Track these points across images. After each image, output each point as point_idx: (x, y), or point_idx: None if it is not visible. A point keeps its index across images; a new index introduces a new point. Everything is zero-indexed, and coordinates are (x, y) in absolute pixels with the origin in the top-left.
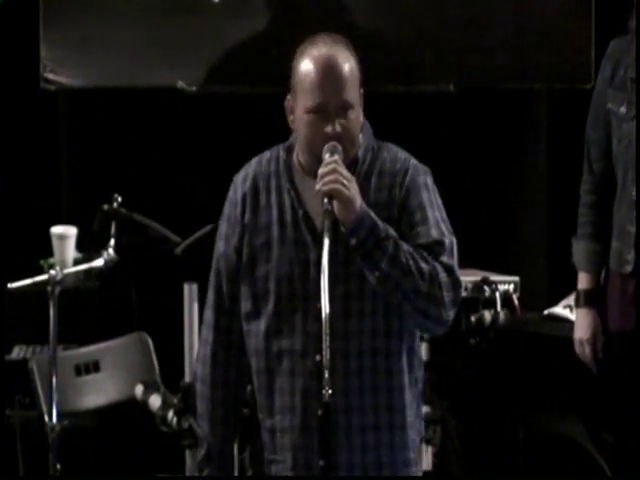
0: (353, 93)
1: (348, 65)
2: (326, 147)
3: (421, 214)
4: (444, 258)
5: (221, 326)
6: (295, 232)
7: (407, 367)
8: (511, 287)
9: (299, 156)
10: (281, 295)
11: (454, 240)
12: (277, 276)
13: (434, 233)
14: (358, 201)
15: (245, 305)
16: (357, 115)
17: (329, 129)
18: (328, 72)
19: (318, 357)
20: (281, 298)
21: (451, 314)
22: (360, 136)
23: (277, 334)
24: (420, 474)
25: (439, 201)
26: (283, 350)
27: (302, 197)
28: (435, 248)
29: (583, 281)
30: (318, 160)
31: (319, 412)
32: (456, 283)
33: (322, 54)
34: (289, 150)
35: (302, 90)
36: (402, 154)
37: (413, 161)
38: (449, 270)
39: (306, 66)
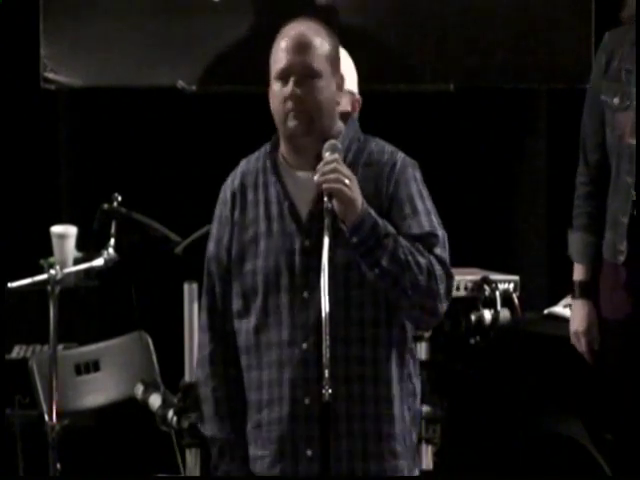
0: (320, 63)
1: (318, 38)
2: (326, 145)
3: (411, 206)
4: (437, 250)
5: (215, 327)
6: (281, 224)
7: (397, 359)
8: (511, 286)
9: (282, 148)
10: (269, 288)
11: (445, 233)
12: (264, 269)
13: (426, 225)
14: (359, 201)
15: (237, 303)
16: (326, 87)
17: (286, 90)
18: (294, 39)
19: (305, 345)
20: (269, 291)
21: (444, 306)
22: (343, 127)
23: (265, 327)
24: (416, 472)
25: (428, 194)
26: (271, 342)
27: (287, 189)
28: (428, 240)
29: (578, 273)
30: (289, 136)
31: (306, 401)
32: (448, 275)
33: (292, 27)
34: (275, 145)
35: (272, 62)
36: (389, 147)
37: (400, 154)
38: (442, 262)
39: (277, 40)
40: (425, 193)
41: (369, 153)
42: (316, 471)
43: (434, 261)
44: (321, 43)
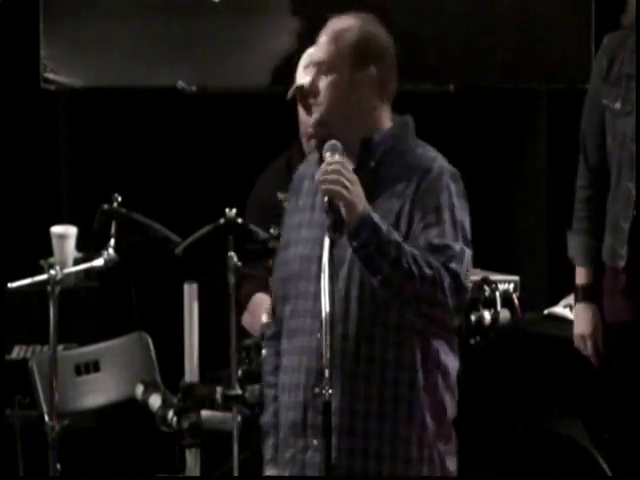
0: (333, 58)
1: (339, 33)
2: (326, 146)
3: (436, 215)
4: (452, 264)
5: (275, 310)
6: (321, 214)
7: (415, 363)
8: (511, 287)
9: None
10: (301, 276)
11: (468, 250)
12: (300, 257)
13: (447, 236)
14: (360, 204)
15: (281, 289)
16: (339, 82)
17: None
18: (320, 36)
19: (319, 335)
20: (300, 279)
21: (456, 320)
22: (385, 123)
23: (296, 314)
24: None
25: (462, 206)
26: (297, 330)
27: None
28: (445, 252)
29: (581, 276)
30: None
31: (316, 390)
32: (460, 289)
33: (328, 23)
34: None
35: None
36: (433, 153)
37: (440, 162)
38: (454, 276)
39: None
40: (458, 205)
41: (412, 156)
42: (319, 460)
43: (444, 273)
44: (339, 39)
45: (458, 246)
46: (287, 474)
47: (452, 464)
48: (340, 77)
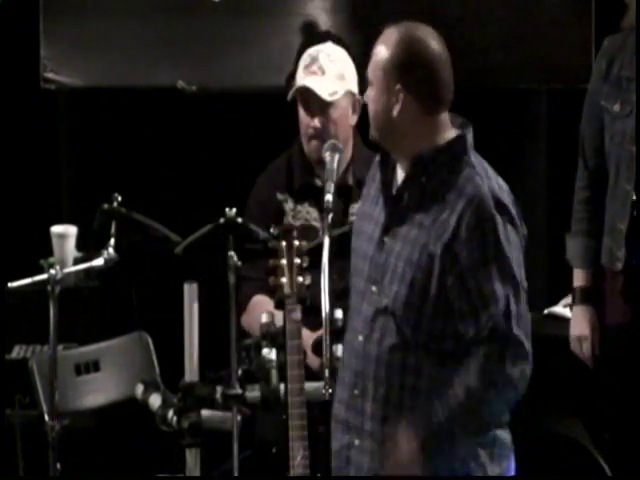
0: (372, 72)
1: (381, 46)
2: (326, 146)
3: (481, 255)
4: (501, 326)
5: None
6: (379, 212)
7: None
8: None
9: None
10: (356, 272)
11: (511, 292)
12: (356, 251)
13: (494, 281)
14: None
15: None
16: (375, 96)
17: None
18: None
19: (360, 338)
20: (355, 275)
21: (524, 386)
22: (439, 136)
23: (350, 310)
24: None
25: (508, 240)
26: (349, 326)
27: (387, 182)
28: (491, 307)
29: (579, 278)
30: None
31: (355, 392)
32: (514, 352)
33: None
34: None
35: None
36: (480, 179)
37: (484, 190)
38: (507, 340)
39: None
40: (504, 239)
41: (459, 177)
42: (360, 460)
43: (494, 362)
44: (378, 52)
45: (504, 298)
46: (332, 465)
47: (498, 468)
48: (378, 92)
